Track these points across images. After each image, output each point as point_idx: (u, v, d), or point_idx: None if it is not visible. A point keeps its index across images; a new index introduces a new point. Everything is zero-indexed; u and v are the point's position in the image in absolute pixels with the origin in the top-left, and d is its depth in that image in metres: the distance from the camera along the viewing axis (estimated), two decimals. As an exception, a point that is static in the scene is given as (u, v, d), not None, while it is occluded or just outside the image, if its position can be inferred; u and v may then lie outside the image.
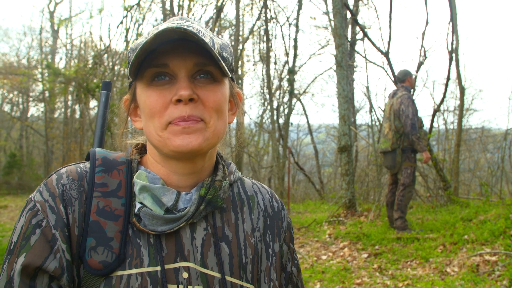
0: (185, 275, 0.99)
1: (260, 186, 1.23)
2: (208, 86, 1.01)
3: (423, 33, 11.44)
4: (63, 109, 21.94)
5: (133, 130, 1.18)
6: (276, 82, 17.07)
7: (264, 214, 1.17)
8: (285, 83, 16.72)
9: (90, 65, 14.97)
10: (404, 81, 7.22)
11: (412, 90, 7.22)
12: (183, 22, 1.02)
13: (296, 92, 18.27)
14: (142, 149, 1.14)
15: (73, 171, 1.02)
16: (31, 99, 24.18)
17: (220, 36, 1.08)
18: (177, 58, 0.99)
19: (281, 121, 16.29)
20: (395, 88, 7.43)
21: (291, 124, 17.87)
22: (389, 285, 4.93)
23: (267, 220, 1.17)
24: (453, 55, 10.34)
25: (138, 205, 1.01)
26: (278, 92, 16.91)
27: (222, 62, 0.97)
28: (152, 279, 0.95)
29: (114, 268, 0.94)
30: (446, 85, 10.82)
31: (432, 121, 10.99)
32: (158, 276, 0.96)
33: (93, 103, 16.93)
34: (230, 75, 1.02)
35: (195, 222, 1.04)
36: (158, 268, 0.97)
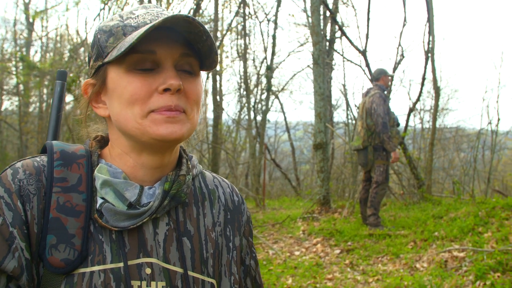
0: (148, 271, 0.97)
1: (221, 180, 1.23)
2: (189, 78, 1.01)
3: (401, 33, 11.56)
4: (38, 103, 21.62)
5: (90, 119, 1.14)
6: (254, 79, 17.08)
7: (224, 208, 1.16)
8: (263, 80, 16.74)
9: (66, 59, 14.79)
10: (378, 79, 7.30)
11: (386, 89, 7.30)
12: (161, 10, 1.02)
13: (274, 89, 18.31)
14: (101, 141, 1.10)
15: (29, 165, 0.97)
16: (4, 92, 23.78)
17: None
18: (164, 46, 0.97)
19: (258, 118, 16.31)
20: (370, 86, 7.52)
21: (268, 121, 17.92)
22: (360, 280, 4.99)
23: (227, 214, 1.16)
24: (429, 55, 10.49)
25: (99, 201, 0.98)
26: (256, 89, 16.92)
27: (217, 55, 1.00)
28: (115, 276, 0.94)
29: (76, 265, 0.92)
30: (422, 84, 10.97)
31: (408, 120, 11.14)
32: (121, 272, 0.94)
33: (69, 97, 16.75)
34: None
35: (157, 217, 1.02)
36: (121, 264, 0.95)
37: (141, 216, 0.98)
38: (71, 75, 13.43)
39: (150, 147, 1.00)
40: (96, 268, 0.93)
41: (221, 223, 1.14)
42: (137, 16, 1.00)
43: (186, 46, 0.99)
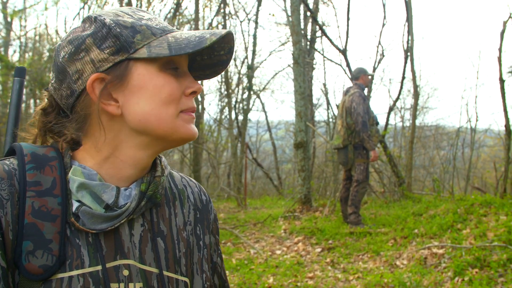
0: (125, 272, 0.96)
1: (189, 180, 1.23)
2: None
3: (381, 32, 11.67)
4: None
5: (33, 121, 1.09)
6: (235, 79, 17.07)
7: (194, 208, 1.17)
8: (244, 80, 16.74)
9: (45, 59, 14.63)
10: (358, 78, 7.34)
11: (365, 88, 7.35)
12: (156, 16, 1.04)
13: (255, 88, 18.32)
14: (70, 143, 1.04)
15: (0, 169, 0.94)
16: (-17, 93, 23.46)
17: None
18: None
19: (240, 117, 16.31)
20: (350, 85, 7.57)
21: (250, 120, 17.92)
22: (340, 278, 5.02)
23: (197, 213, 1.17)
24: (408, 54, 10.59)
25: (75, 204, 0.95)
26: (237, 88, 16.91)
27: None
28: (94, 279, 0.92)
29: (54, 271, 0.89)
30: (402, 83, 11.09)
31: (388, 118, 11.24)
32: (100, 275, 0.93)
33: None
34: None
35: (133, 219, 1.01)
36: (99, 267, 0.93)
37: (118, 218, 0.97)
38: (50, 75, 13.28)
39: (168, 145, 1.03)
40: (74, 272, 0.91)
41: (192, 222, 1.14)
42: (149, 19, 1.01)
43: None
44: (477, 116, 18.22)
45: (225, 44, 1.04)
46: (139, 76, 0.96)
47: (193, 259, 1.11)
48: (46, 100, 1.07)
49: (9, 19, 19.76)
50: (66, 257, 0.91)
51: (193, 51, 0.94)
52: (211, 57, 1.08)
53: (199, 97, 15.42)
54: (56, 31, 18.32)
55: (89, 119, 1.01)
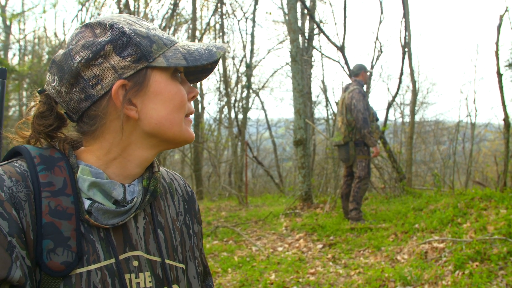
0: (135, 263, 1.03)
1: (173, 173, 1.32)
2: None
3: (378, 29, 11.69)
4: (17, 107, 21.36)
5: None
6: (234, 78, 17.09)
7: (183, 199, 1.26)
8: (243, 78, 16.75)
9: (44, 61, 14.64)
10: (358, 75, 7.35)
11: (364, 84, 7.37)
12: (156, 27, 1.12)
13: (254, 87, 18.33)
14: (71, 143, 1.09)
15: (13, 172, 0.96)
16: (-17, 96, 23.42)
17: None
18: None
19: (240, 116, 16.33)
20: (349, 82, 7.59)
21: (249, 119, 17.93)
22: (342, 273, 5.04)
23: (185, 204, 1.26)
24: (406, 50, 10.61)
25: (87, 202, 1.00)
26: (236, 87, 16.93)
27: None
28: (109, 272, 0.98)
29: (74, 266, 0.94)
30: (400, 79, 11.11)
31: (387, 114, 11.26)
32: (114, 268, 0.99)
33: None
34: None
35: (137, 213, 1.08)
36: (113, 260, 1.00)
37: (128, 212, 1.04)
38: (49, 77, 13.29)
39: (171, 147, 1.12)
40: (92, 267, 0.97)
41: (182, 213, 1.24)
42: (154, 28, 1.08)
43: None
44: (476, 111, 18.27)
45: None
46: (156, 84, 1.04)
47: (186, 246, 1.20)
48: (41, 103, 1.09)
49: (8, 23, 19.76)
50: (83, 252, 0.97)
51: (207, 62, 1.04)
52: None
53: (198, 96, 15.44)
54: (55, 34, 18.34)
55: (103, 122, 1.05)
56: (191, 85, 1.15)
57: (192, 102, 1.13)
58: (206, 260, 1.35)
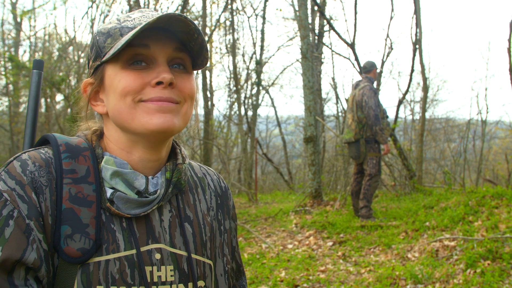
0: (157, 256, 1.03)
1: (207, 168, 1.31)
2: (183, 75, 1.06)
3: (389, 25, 11.62)
4: (28, 103, 21.47)
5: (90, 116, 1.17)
6: (244, 74, 17.08)
7: (215, 194, 1.25)
8: (253, 75, 16.74)
9: (55, 58, 14.70)
10: (370, 71, 7.31)
11: (374, 81, 7.32)
12: (156, 13, 1.07)
13: (264, 84, 18.31)
14: (99, 135, 1.13)
15: (37, 158, 0.99)
16: (-6, 93, 23.58)
17: None
18: (158, 42, 1.03)
19: (249, 113, 16.32)
20: (359, 79, 7.55)
21: (259, 116, 17.93)
22: (352, 271, 5.03)
23: (218, 200, 1.24)
24: (417, 47, 10.54)
25: (109, 190, 1.02)
26: (246, 84, 16.92)
27: (208, 52, 1.06)
28: (129, 263, 0.98)
29: (91, 254, 0.95)
30: (411, 76, 11.03)
31: (397, 111, 11.19)
32: (135, 259, 0.99)
33: (58, 96, 16.67)
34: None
35: (162, 205, 1.08)
36: (134, 251, 1.00)
37: (150, 204, 1.04)
38: (60, 74, 13.36)
39: (146, 140, 1.05)
40: (111, 256, 0.97)
41: (214, 208, 1.22)
42: (133, 18, 1.05)
43: (179, 44, 1.05)
44: (487, 108, 18.07)
45: (188, 26, 1.01)
46: (108, 77, 1.05)
47: (215, 243, 1.18)
48: None
49: (18, 20, 19.87)
50: (102, 241, 0.98)
51: (131, 37, 0.96)
52: (196, 42, 1.05)
53: (208, 93, 15.45)
54: (65, 30, 18.42)
55: (103, 119, 1.12)
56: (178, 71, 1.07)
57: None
58: (240, 258, 1.32)
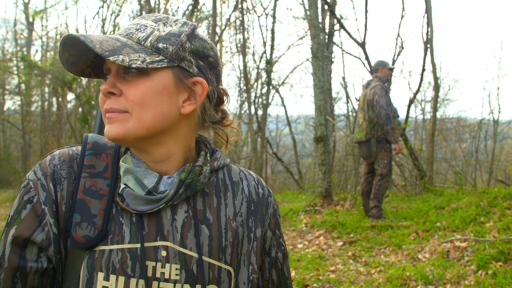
0: (163, 253, 1.05)
1: (247, 173, 1.27)
2: (135, 80, 1.02)
3: (399, 24, 11.56)
4: (39, 102, 21.63)
5: None
6: (254, 74, 17.09)
7: (248, 200, 1.21)
8: (263, 75, 16.73)
9: (66, 57, 14.73)
10: (377, 71, 7.28)
11: (386, 81, 7.29)
12: (135, 23, 1.09)
13: (274, 83, 18.30)
14: None
15: (65, 154, 1.11)
16: (7, 92, 23.78)
17: (177, 25, 1.09)
18: None
19: (259, 112, 16.32)
20: (369, 78, 7.52)
21: (269, 115, 17.92)
22: (362, 272, 5.01)
23: (251, 206, 1.21)
24: (428, 46, 10.48)
25: (122, 186, 1.08)
26: (256, 83, 16.92)
27: (116, 57, 0.97)
28: (131, 255, 1.03)
29: (96, 242, 1.03)
30: (422, 75, 10.96)
31: (408, 111, 11.14)
32: (138, 253, 1.04)
33: (70, 96, 16.75)
34: (155, 66, 1.00)
35: (175, 204, 1.10)
36: (138, 245, 1.04)
37: (158, 202, 1.07)
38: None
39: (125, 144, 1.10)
40: (114, 246, 1.04)
41: (243, 214, 1.19)
42: (140, 26, 1.08)
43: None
44: (499, 108, 17.88)
45: (79, 41, 1.00)
46: None
47: (241, 249, 1.16)
48: None
49: (31, 20, 20.01)
50: (108, 232, 1.05)
51: (61, 47, 1.03)
52: (96, 48, 1.00)
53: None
54: (77, 30, 18.51)
55: None
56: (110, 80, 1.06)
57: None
58: (289, 271, 1.29)
